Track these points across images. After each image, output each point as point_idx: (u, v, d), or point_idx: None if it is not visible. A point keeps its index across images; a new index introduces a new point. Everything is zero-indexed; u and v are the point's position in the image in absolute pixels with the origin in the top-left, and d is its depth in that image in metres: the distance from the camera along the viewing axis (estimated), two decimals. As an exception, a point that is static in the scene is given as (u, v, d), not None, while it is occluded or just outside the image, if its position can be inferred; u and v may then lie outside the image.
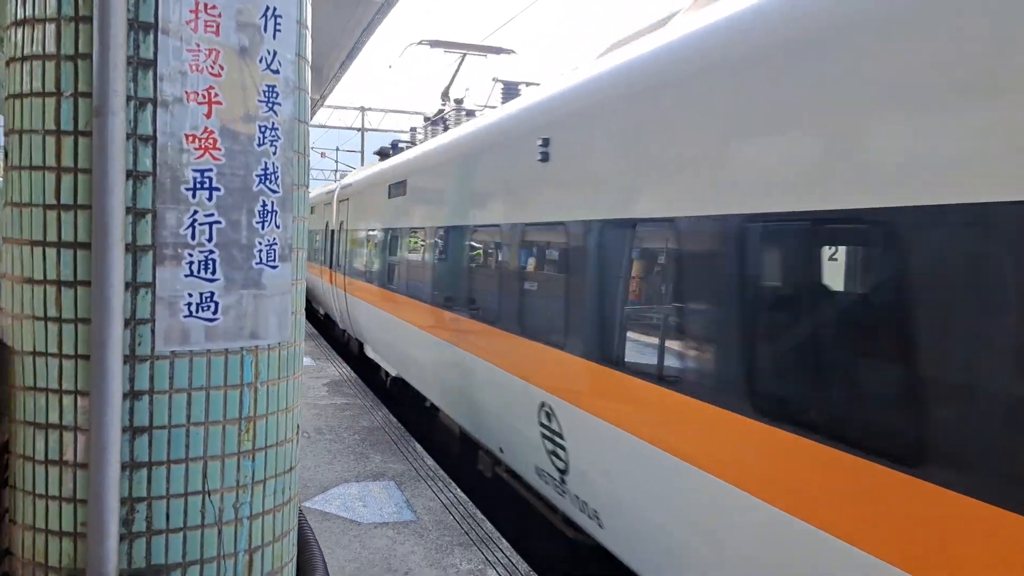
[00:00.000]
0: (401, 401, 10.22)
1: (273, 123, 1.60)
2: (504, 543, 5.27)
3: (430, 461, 7.25)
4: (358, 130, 33.30)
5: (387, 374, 11.69)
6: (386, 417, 8.92)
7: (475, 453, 7.46)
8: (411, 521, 5.57)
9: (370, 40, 10.93)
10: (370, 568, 4.78)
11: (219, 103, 1.51)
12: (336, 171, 33.97)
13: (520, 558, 5.06)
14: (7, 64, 1.55)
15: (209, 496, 1.50)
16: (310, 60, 1.76)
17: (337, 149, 35.73)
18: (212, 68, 1.51)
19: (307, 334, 16.31)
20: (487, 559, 4.98)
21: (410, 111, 32.44)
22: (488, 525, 5.58)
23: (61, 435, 1.45)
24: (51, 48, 1.45)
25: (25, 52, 1.48)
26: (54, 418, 1.45)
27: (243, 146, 1.55)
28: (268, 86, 1.59)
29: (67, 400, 1.44)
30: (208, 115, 1.50)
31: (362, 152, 34.25)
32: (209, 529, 1.50)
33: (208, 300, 1.50)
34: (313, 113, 20.52)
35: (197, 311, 1.49)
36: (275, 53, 1.60)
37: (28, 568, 1.48)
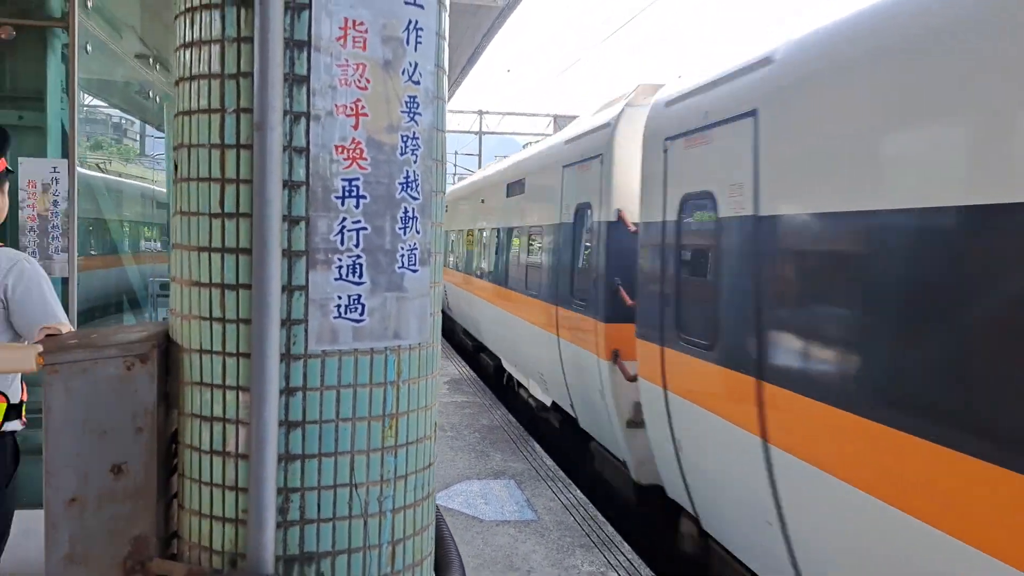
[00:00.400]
0: (515, 402, 10.30)
1: (414, 132, 1.66)
2: (626, 547, 5.24)
3: (549, 461, 7.30)
4: (475, 134, 33.82)
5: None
6: (505, 416, 9.04)
7: (586, 449, 7.42)
8: (532, 520, 5.63)
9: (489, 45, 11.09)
10: (492, 565, 4.87)
11: (365, 115, 1.59)
12: (455, 175, 34.60)
13: (642, 562, 5.01)
14: (176, 84, 1.68)
15: (356, 489, 1.58)
16: (447, 70, 1.82)
17: (456, 153, 36.41)
18: (359, 82, 1.58)
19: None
20: (609, 562, 4.97)
21: (529, 112, 32.65)
22: (609, 528, 5.57)
23: (224, 427, 1.56)
24: (216, 67, 1.56)
25: (192, 72, 1.61)
26: (218, 411, 1.56)
27: (387, 155, 1.62)
28: (410, 97, 1.65)
29: (230, 395, 1.55)
30: (355, 127, 1.57)
31: (479, 155, 34.78)
32: (356, 520, 1.58)
33: (355, 302, 1.58)
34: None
35: (345, 312, 1.57)
36: (416, 65, 1.66)
37: (194, 551, 1.60)
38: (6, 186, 2.89)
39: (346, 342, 1.58)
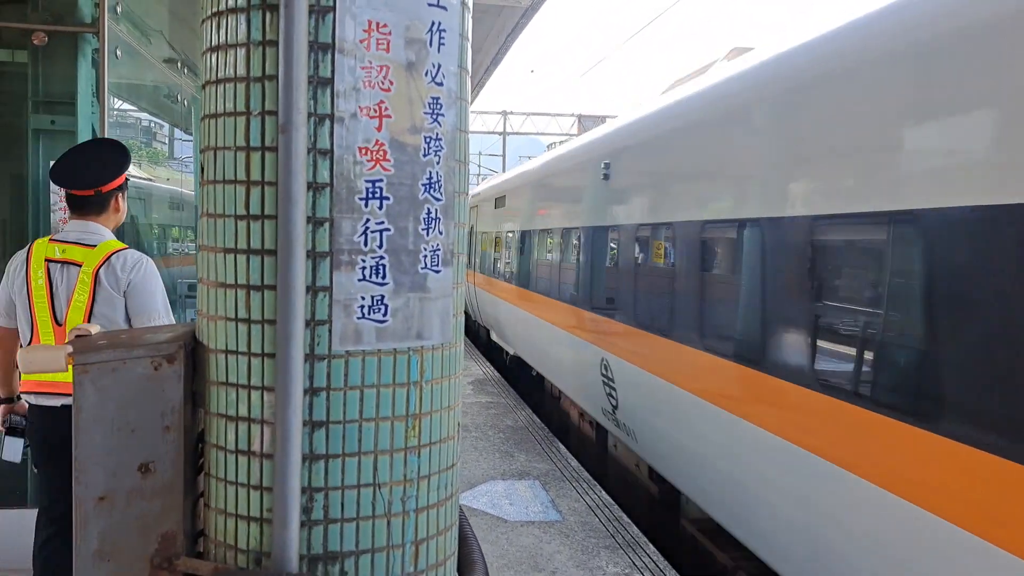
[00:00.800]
0: (540, 402, 10.30)
1: (437, 134, 1.67)
2: (651, 548, 5.21)
3: (574, 462, 7.28)
4: (499, 134, 33.85)
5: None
6: (529, 417, 9.03)
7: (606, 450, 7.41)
8: (556, 521, 5.63)
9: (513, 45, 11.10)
10: (517, 565, 4.87)
11: (389, 116, 1.60)
12: (479, 175, 34.66)
13: (668, 564, 4.99)
14: (203, 87, 1.70)
15: (379, 488, 1.59)
16: (470, 71, 1.82)
17: (480, 154, 36.49)
18: (383, 84, 1.59)
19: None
20: (634, 563, 4.95)
21: (553, 113, 32.63)
22: (634, 529, 5.55)
23: (249, 427, 1.57)
24: (241, 71, 1.58)
25: (218, 76, 1.62)
26: (243, 411, 1.58)
27: (410, 157, 1.62)
28: (433, 98, 1.66)
29: (255, 395, 1.56)
30: (379, 128, 1.58)
31: (503, 156, 34.82)
32: (379, 520, 1.59)
33: (379, 303, 1.59)
34: (458, 119, 21.07)
35: (369, 313, 1.58)
36: (439, 66, 1.66)
37: (220, 549, 1.62)
38: (126, 193, 3.31)
39: (370, 342, 1.59)
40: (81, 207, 3.11)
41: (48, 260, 3.01)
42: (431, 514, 1.67)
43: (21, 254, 3.08)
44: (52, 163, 3.21)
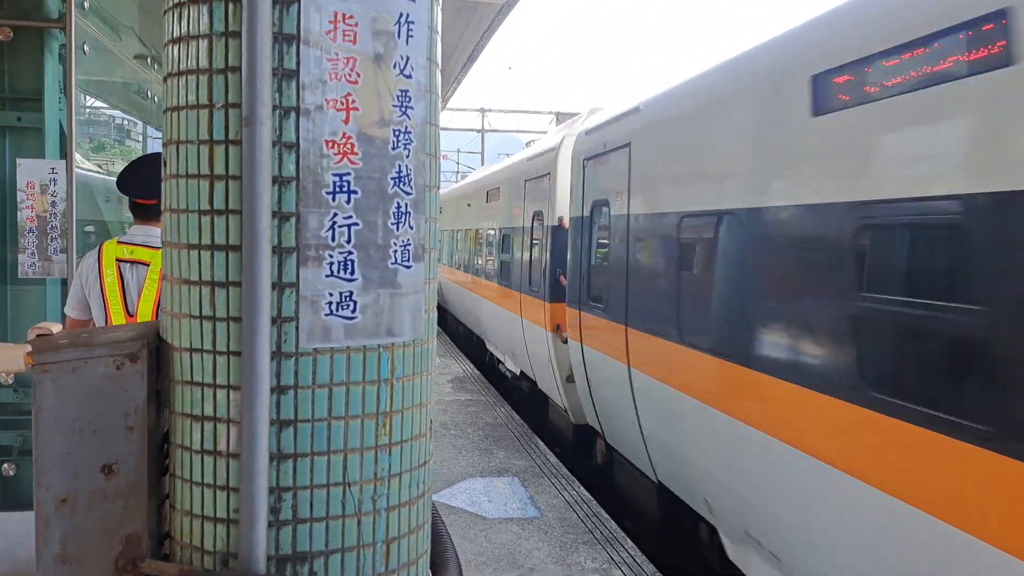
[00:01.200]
0: (520, 400, 10.30)
1: (406, 127, 1.64)
2: (629, 543, 5.22)
3: (552, 458, 7.28)
4: (478, 131, 33.79)
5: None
6: (508, 414, 9.03)
7: (591, 448, 7.45)
8: (535, 517, 5.62)
9: (490, 42, 11.06)
10: (495, 562, 4.85)
11: (356, 109, 1.57)
12: (457, 172, 34.57)
13: (646, 559, 5.00)
14: (164, 80, 1.66)
15: (349, 487, 1.56)
16: (440, 64, 1.80)
17: (459, 151, 36.39)
18: (350, 76, 1.56)
19: (431, 332, 16.75)
20: (612, 559, 4.95)
21: (531, 110, 32.59)
22: (612, 524, 5.55)
23: (215, 426, 1.54)
24: (204, 63, 1.54)
25: (180, 68, 1.59)
26: (209, 410, 1.54)
27: (378, 150, 1.60)
28: (401, 91, 1.63)
29: (220, 394, 1.53)
30: (346, 121, 1.55)
31: (482, 153, 34.77)
32: (349, 519, 1.56)
33: (347, 299, 1.56)
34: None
35: (337, 309, 1.55)
36: (408, 58, 1.64)
37: (186, 551, 1.58)
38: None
39: (338, 339, 1.56)
40: (145, 214, 3.41)
41: (118, 260, 3.30)
42: (403, 512, 1.65)
43: (92, 254, 3.35)
44: (119, 173, 3.46)
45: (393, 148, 1.62)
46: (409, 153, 1.65)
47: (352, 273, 1.57)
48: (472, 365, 12.73)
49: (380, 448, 1.60)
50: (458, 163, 35.81)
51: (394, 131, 1.62)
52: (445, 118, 31.31)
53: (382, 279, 1.61)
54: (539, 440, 8.01)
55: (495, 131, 33.36)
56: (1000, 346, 2.75)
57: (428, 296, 1.72)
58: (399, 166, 1.63)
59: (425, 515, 1.74)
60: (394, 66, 1.62)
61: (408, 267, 1.65)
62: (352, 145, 1.57)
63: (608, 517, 5.76)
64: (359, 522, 1.58)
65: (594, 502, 6.11)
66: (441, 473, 6.67)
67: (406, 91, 1.64)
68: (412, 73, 1.66)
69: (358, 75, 1.57)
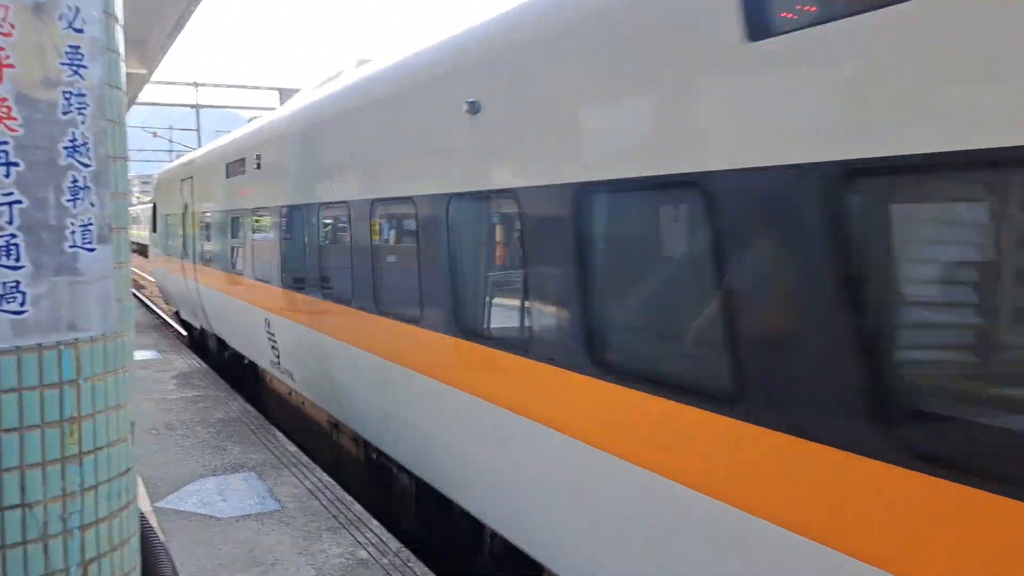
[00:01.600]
0: (258, 392, 9.84)
1: (79, 88, 1.43)
2: (374, 523, 5.18)
3: (292, 447, 7.02)
4: (192, 107, 31.44)
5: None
6: (243, 407, 8.56)
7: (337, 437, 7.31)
8: (275, 510, 5.38)
9: (199, 9, 10.29)
10: (232, 563, 4.58)
11: (11, 66, 1.33)
12: (172, 151, 31.98)
13: (391, 536, 5.00)
14: None
15: (30, 509, 1.34)
16: (121, 19, 1.58)
17: (171, 128, 33.64)
18: (1, 27, 1.32)
19: (150, 325, 15.36)
20: (357, 541, 4.88)
21: (251, 86, 30.91)
22: (357, 507, 5.47)
23: None
24: None
25: None
26: None
27: (45, 114, 1.37)
28: (71, 47, 1.42)
29: None
30: (-2, 80, 1.31)
31: (198, 130, 32.44)
32: (33, 545, 1.35)
33: (13, 290, 1.33)
34: (141, 88, 19.17)
35: (1, 304, 1.32)
36: (77, 10, 1.42)
37: None
38: None
39: (5, 339, 1.32)
40: None
41: None
42: (102, 528, 1.46)
43: None
44: None
45: (64, 112, 1.40)
46: (85, 119, 1.43)
47: (18, 260, 1.34)
48: (199, 360, 11.90)
49: (68, 459, 1.39)
50: (171, 141, 33.05)
51: (64, 93, 1.40)
52: (154, 92, 28.73)
53: (59, 265, 1.39)
54: (277, 431, 7.70)
55: (211, 107, 31.21)
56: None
57: (119, 282, 1.52)
58: (73, 133, 1.41)
59: (131, 528, 1.55)
60: (60, 18, 1.40)
61: (91, 250, 1.44)
62: (8, 108, 1.33)
63: (352, 500, 5.69)
64: (46, 547, 1.36)
65: (337, 487, 6.01)
66: (167, 478, 6.16)
67: (77, 47, 1.42)
68: (84, 27, 1.44)
69: (12, 26, 1.33)
